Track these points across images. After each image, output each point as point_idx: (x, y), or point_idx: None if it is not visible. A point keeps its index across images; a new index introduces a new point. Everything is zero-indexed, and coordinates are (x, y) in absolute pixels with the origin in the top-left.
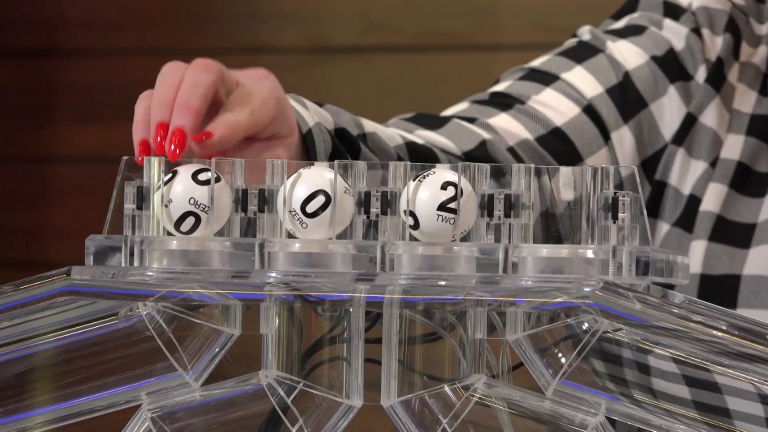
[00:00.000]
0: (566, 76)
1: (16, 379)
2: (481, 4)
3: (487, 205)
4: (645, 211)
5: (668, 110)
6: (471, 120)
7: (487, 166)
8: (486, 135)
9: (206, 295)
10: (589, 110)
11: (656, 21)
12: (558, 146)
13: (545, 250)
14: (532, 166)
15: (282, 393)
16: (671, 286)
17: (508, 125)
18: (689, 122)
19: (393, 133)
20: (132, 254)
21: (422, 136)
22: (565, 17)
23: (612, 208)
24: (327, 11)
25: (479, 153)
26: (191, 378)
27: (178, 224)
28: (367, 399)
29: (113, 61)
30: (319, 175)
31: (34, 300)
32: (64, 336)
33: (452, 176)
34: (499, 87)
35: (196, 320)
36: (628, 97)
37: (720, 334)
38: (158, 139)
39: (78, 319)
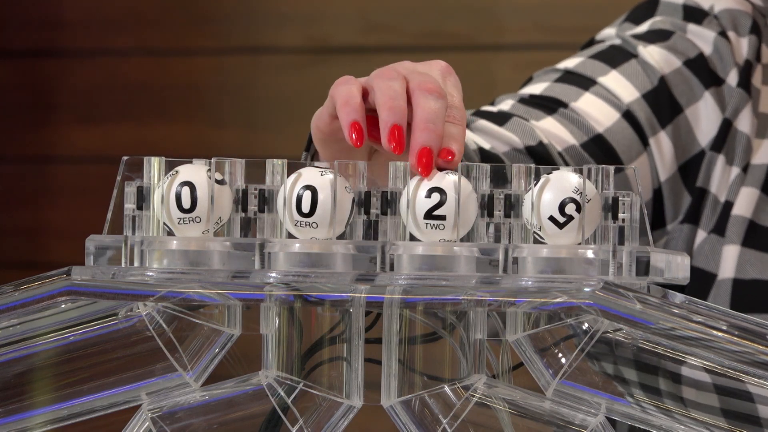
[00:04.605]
0: (603, 80)
1: (16, 379)
2: (481, 4)
3: (487, 205)
4: (645, 211)
5: (704, 116)
6: (525, 120)
7: (487, 167)
8: (543, 137)
9: (206, 295)
10: (628, 116)
11: (679, 26)
12: (600, 153)
13: (545, 250)
14: (532, 166)
15: (282, 393)
16: (703, 288)
17: (555, 129)
18: (726, 128)
19: (469, 137)
20: (132, 254)
21: (487, 128)
22: (565, 17)
23: (612, 208)
24: (327, 11)
25: (540, 149)
26: (191, 378)
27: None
28: (367, 399)
29: (113, 61)
30: (318, 175)
31: (34, 300)
32: (64, 336)
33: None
34: (536, 89)
35: (197, 320)
36: (664, 103)
37: (720, 334)
38: (392, 140)
39: (78, 319)
